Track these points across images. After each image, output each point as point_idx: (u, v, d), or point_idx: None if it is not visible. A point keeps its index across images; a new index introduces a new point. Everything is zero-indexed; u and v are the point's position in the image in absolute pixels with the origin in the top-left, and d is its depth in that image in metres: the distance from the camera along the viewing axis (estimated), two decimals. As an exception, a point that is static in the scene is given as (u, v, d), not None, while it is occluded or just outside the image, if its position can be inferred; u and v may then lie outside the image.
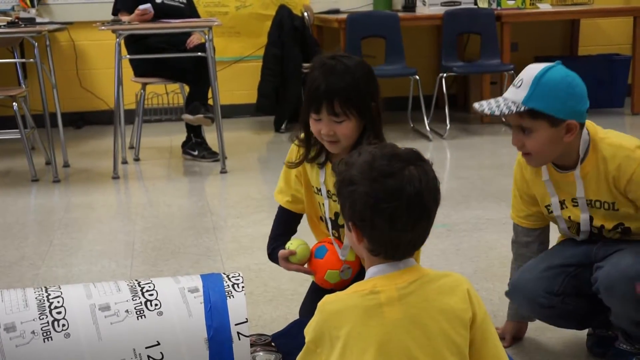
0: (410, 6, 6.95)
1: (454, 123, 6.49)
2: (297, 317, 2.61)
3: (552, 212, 2.47)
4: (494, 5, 6.81)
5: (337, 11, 7.02)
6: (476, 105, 2.39)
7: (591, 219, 2.45)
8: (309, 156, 2.44)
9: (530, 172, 2.50)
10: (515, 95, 2.23)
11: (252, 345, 2.23)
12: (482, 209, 4.20)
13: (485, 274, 3.29)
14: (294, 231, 2.61)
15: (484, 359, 1.74)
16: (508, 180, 2.73)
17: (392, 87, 6.94)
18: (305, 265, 2.42)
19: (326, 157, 2.41)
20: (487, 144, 6.06)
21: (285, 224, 2.63)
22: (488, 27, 6.62)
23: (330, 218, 2.50)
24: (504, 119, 2.73)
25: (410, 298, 1.70)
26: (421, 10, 6.77)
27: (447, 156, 5.66)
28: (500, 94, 2.46)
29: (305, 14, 6.85)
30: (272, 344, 2.49)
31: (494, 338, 1.76)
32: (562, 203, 2.46)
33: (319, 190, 2.49)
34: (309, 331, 1.74)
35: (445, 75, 6.38)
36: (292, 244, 2.45)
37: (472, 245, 3.67)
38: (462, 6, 6.73)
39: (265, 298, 3.03)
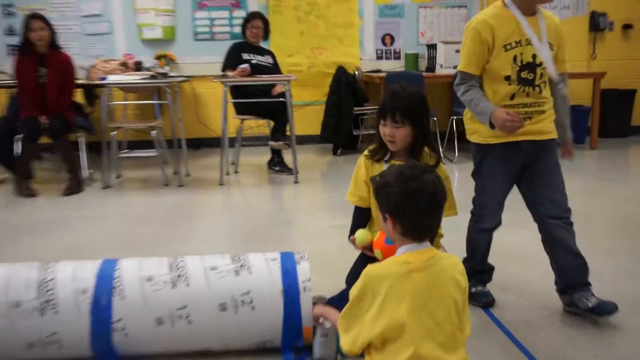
0: (431, 68, 6.95)
1: (461, 152, 6.45)
2: (345, 286, 2.63)
3: (515, 46, 2.42)
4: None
5: (378, 71, 7.07)
6: None
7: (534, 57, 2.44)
8: (378, 156, 2.46)
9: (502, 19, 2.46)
10: None
11: (313, 303, 2.27)
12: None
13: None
14: (367, 220, 2.56)
15: (463, 319, 1.84)
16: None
17: (416, 125, 6.96)
18: (377, 251, 2.30)
19: (390, 156, 2.43)
20: (484, 167, 6.02)
21: (357, 217, 2.60)
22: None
23: None
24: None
25: (431, 268, 1.81)
26: (439, 71, 6.76)
27: (455, 175, 5.63)
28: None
29: (356, 72, 6.91)
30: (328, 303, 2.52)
31: (468, 307, 1.88)
32: (518, 42, 2.43)
33: None
34: (354, 291, 1.83)
35: (455, 117, 6.37)
36: (357, 232, 2.44)
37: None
38: (468, 69, 6.68)
39: (324, 273, 3.04)
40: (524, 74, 2.45)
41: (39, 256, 3.45)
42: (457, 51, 6.62)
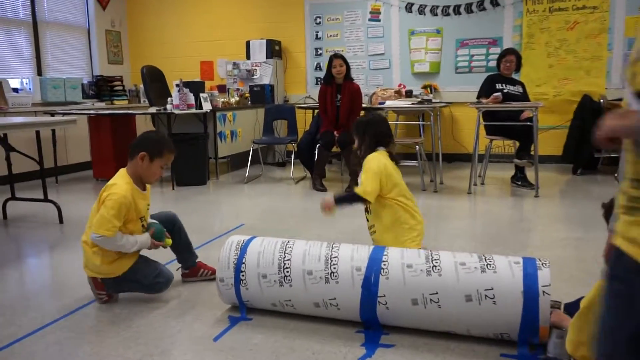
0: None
1: None
2: (581, 295, 2.34)
3: None
4: None
5: (621, 99, 6.20)
6: None
7: None
8: None
9: None
10: None
11: (550, 307, 2.05)
12: None
13: None
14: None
15: None
16: None
17: None
18: None
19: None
20: None
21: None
22: None
23: None
24: None
25: None
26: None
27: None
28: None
29: (602, 100, 6.15)
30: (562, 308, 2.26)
31: None
32: None
33: None
34: (584, 302, 1.69)
35: None
36: None
37: None
38: None
39: (559, 279, 2.76)
40: None
41: (324, 236, 3.69)
42: None
